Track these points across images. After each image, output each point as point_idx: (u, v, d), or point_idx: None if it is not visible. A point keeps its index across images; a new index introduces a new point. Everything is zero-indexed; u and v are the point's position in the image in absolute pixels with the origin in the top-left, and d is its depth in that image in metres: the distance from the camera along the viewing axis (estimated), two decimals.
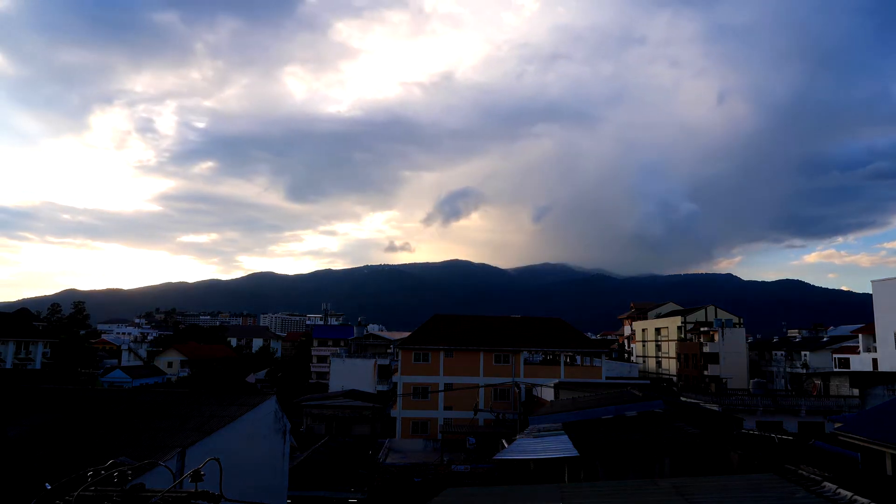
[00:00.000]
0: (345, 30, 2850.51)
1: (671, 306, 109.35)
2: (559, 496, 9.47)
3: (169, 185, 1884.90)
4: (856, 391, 37.75)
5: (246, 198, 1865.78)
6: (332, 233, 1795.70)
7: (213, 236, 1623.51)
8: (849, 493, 7.65)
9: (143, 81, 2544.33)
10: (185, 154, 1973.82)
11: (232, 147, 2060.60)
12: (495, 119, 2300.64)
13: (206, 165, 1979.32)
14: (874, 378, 37.06)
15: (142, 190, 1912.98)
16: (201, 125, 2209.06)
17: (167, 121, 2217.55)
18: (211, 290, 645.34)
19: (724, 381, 72.99)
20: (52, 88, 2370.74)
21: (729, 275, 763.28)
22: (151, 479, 5.81)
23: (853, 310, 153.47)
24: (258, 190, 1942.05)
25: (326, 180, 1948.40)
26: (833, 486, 8.03)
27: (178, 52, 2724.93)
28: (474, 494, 12.12)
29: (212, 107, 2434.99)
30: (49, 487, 4.91)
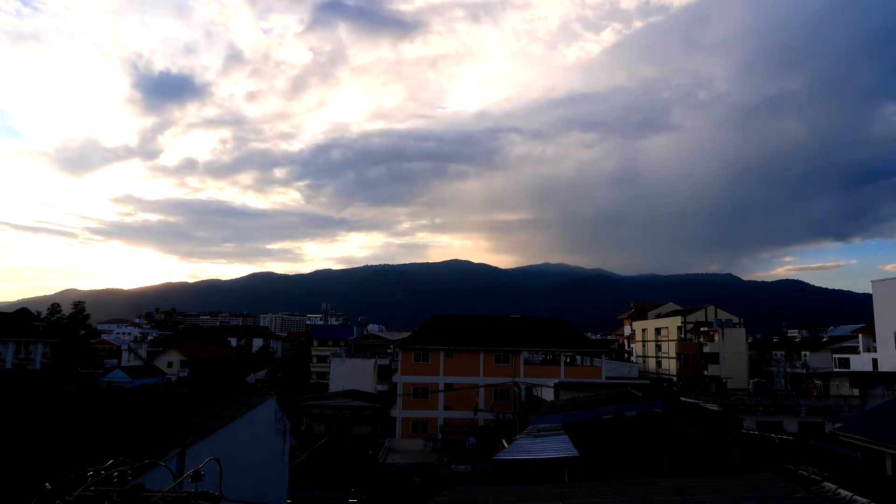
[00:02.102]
0: (446, 62, 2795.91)
1: (671, 306, 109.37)
2: (559, 496, 9.48)
3: (215, 195, 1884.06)
4: (856, 391, 37.76)
5: (292, 208, 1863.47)
6: (367, 239, 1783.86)
7: (248, 245, 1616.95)
8: (849, 493, 7.65)
9: (252, 111, 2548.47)
10: (229, 166, 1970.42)
11: (282, 161, 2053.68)
12: (566, 131, 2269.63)
13: (251, 178, 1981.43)
14: (874, 378, 37.05)
15: (188, 197, 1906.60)
16: (266, 145, 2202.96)
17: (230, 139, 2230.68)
18: (211, 290, 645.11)
19: (724, 381, 72.96)
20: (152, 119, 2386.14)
21: (729, 275, 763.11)
22: (151, 479, 5.81)
23: (853, 310, 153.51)
24: (311, 200, 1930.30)
25: (382, 191, 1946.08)
26: (833, 486, 8.03)
27: (295, 86, 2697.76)
28: (474, 494, 12.12)
29: (288, 122, 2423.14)
30: (49, 487, 4.90)
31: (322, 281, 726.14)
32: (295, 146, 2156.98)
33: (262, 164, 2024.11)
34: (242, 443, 14.21)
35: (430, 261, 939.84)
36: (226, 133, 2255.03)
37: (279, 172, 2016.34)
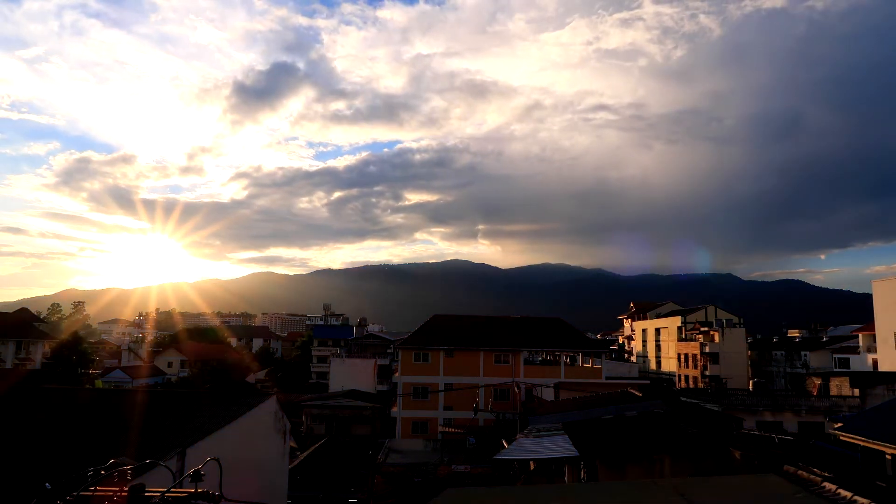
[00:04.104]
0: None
1: (671, 306, 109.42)
2: (559, 496, 9.48)
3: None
4: (856, 391, 37.79)
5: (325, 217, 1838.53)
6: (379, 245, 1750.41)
7: (264, 250, 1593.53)
8: (849, 494, 7.65)
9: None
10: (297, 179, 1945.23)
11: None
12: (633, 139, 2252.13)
13: (284, 190, 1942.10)
14: (874, 378, 37.11)
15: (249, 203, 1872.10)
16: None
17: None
18: (211, 290, 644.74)
19: (724, 381, 73.05)
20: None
21: (729, 275, 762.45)
22: (151, 479, 5.81)
23: (853, 310, 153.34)
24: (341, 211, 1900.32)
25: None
26: (833, 487, 8.03)
27: (394, 118, 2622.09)
28: (474, 494, 12.11)
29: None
30: (49, 487, 4.90)
31: (322, 281, 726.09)
32: (342, 162, 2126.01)
33: (297, 177, 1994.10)
34: (242, 443, 14.22)
35: (431, 261, 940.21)
36: (285, 150, 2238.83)
37: (320, 184, 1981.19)
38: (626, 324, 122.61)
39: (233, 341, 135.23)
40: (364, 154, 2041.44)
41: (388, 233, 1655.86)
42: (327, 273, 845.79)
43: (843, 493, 7.73)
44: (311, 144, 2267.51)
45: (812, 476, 8.74)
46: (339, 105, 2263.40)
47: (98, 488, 4.78)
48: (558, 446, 17.81)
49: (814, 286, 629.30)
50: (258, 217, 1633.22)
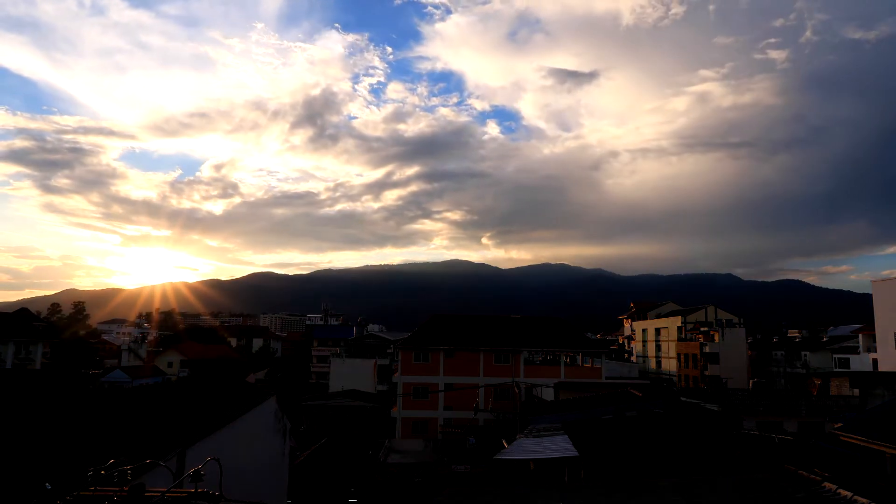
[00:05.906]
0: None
1: (671, 306, 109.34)
2: (559, 496, 9.48)
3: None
4: (856, 391, 37.79)
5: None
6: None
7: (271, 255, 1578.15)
8: (849, 494, 7.66)
9: None
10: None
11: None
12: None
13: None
14: (874, 378, 37.06)
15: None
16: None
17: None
18: (211, 290, 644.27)
19: (724, 381, 72.98)
20: None
21: (729, 275, 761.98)
22: (151, 479, 5.81)
23: (853, 310, 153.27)
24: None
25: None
26: (833, 487, 8.04)
27: (458, 148, 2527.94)
28: (474, 494, 12.12)
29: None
30: (49, 487, 4.91)
31: (322, 281, 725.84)
32: (371, 177, 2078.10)
33: (321, 188, 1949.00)
34: (242, 443, 14.23)
35: (431, 261, 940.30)
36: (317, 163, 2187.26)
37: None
38: (626, 324, 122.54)
39: (233, 341, 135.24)
40: (392, 167, 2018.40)
41: (407, 240, 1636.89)
42: (327, 273, 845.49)
43: (843, 493, 7.74)
44: (348, 159, 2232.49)
45: (812, 476, 8.74)
46: (401, 126, 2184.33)
47: (98, 488, 4.79)
48: (558, 446, 17.82)
49: (814, 286, 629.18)
50: (275, 224, 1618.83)
